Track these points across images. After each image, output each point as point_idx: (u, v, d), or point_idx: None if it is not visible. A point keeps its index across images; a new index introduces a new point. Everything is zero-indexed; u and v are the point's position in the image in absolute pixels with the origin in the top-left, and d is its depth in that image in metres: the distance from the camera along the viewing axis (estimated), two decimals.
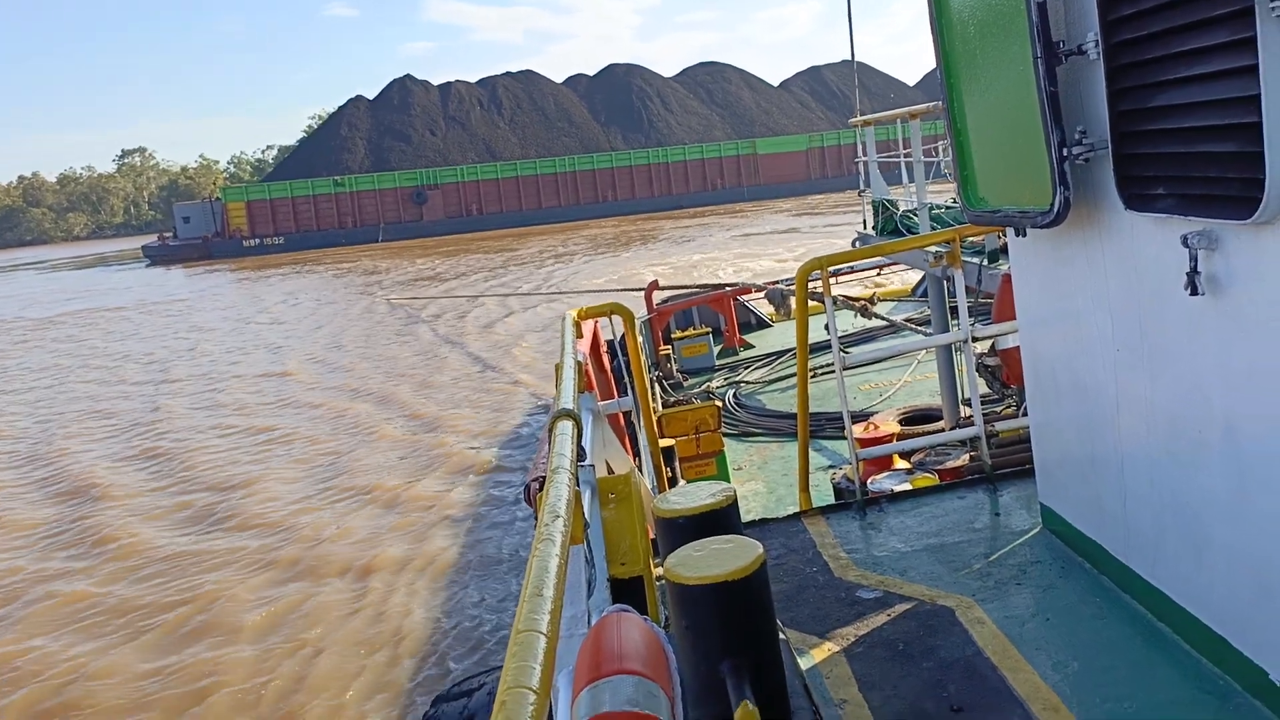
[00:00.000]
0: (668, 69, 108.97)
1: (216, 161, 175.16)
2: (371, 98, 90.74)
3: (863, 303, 9.83)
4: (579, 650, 1.66)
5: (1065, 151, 2.94)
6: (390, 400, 17.77)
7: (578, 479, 2.34)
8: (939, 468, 5.94)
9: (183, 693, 7.53)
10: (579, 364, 3.87)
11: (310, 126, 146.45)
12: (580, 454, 2.72)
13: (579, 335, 4.85)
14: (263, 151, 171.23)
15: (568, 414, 2.80)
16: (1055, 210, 3.02)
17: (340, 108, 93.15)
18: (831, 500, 6.06)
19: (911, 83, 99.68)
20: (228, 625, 8.69)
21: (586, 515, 2.52)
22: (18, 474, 14.83)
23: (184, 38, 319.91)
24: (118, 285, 55.51)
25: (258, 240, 72.16)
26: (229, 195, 77.03)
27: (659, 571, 2.79)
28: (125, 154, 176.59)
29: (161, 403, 19.45)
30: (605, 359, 6.54)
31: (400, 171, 78.76)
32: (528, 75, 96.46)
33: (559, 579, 1.55)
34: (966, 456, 5.94)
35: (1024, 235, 3.61)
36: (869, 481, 5.82)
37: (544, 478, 2.23)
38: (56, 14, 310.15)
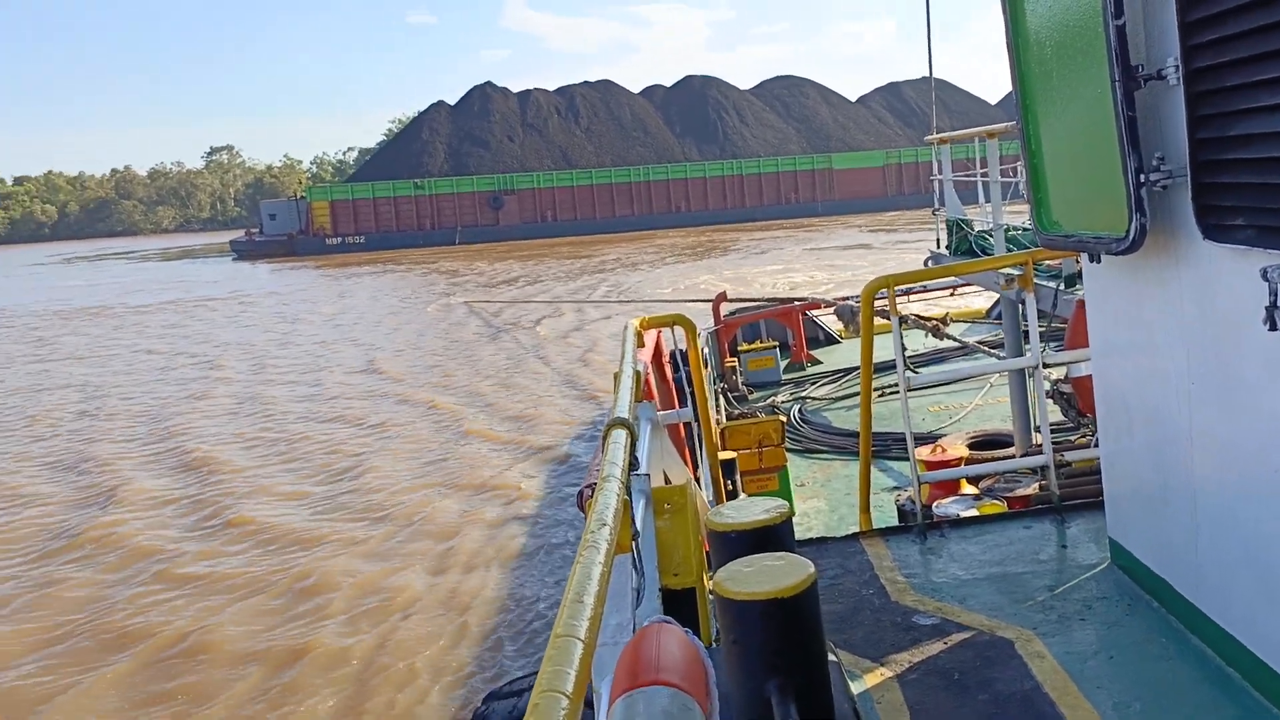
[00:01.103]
0: (740, 81, 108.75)
1: (300, 161, 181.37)
2: (452, 104, 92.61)
3: (934, 323, 9.67)
4: (618, 659, 1.68)
5: (1142, 177, 2.87)
6: (474, 396, 18.23)
7: (628, 487, 2.36)
8: (1008, 495, 5.80)
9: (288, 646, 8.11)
10: (638, 373, 3.90)
11: (390, 130, 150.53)
12: (634, 463, 2.73)
13: (640, 345, 4.88)
14: (344, 153, 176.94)
15: (622, 422, 2.83)
16: (1131, 237, 2.94)
17: (422, 113, 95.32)
18: (894, 522, 5.98)
19: (993, 101, 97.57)
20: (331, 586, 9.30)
21: (639, 524, 2.54)
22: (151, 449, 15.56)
23: (270, 41, 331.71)
24: (211, 278, 57.84)
25: (340, 239, 74.24)
26: (314, 195, 79.39)
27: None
28: (213, 151, 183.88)
29: (262, 391, 20.31)
30: (667, 369, 6.55)
31: (478, 176, 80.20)
32: (605, 85, 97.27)
33: (601, 586, 1.57)
34: (1036, 485, 5.80)
35: (1098, 261, 3.52)
36: (934, 506, 5.72)
37: (596, 484, 2.26)
38: (154, 14, 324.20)
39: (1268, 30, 2.26)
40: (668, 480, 4.33)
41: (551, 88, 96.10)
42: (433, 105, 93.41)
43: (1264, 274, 2.38)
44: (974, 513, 5.30)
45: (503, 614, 8.73)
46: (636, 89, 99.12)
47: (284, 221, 78.18)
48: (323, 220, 75.58)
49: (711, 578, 2.70)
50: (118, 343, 30.01)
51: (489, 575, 9.63)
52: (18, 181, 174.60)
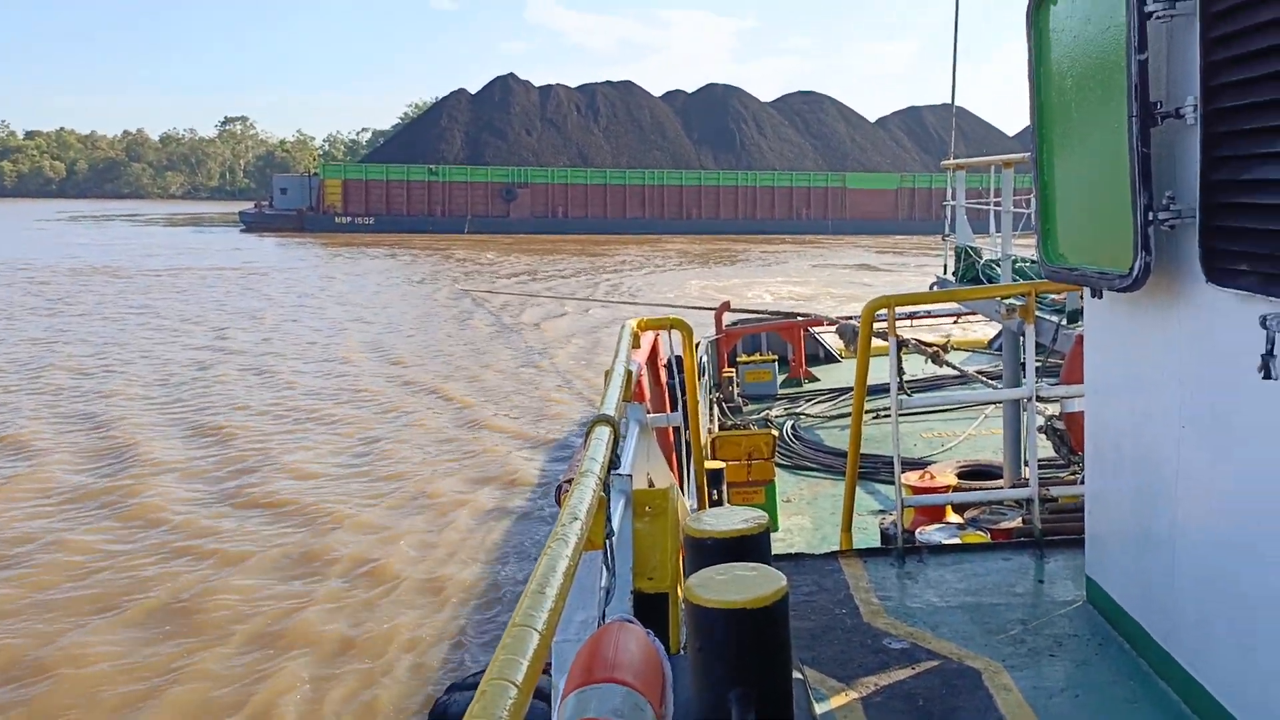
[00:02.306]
0: (759, 91, 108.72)
1: (313, 138, 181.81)
2: (474, 93, 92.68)
3: (934, 349, 9.65)
4: (576, 654, 1.67)
5: (1151, 215, 2.86)
6: (472, 384, 18.20)
7: (606, 485, 2.35)
8: (991, 527, 5.79)
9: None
10: (629, 373, 3.88)
11: (407, 114, 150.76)
12: (616, 461, 2.72)
13: (636, 345, 4.87)
14: (357, 133, 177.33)
15: (606, 420, 2.81)
16: (1135, 275, 2.93)
17: (442, 99, 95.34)
18: (877, 544, 5.96)
19: (1011, 133, 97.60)
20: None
21: (616, 524, 2.52)
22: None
23: (294, 15, 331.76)
24: (223, 246, 57.93)
25: (350, 218, 74.23)
26: (327, 172, 79.39)
27: None
28: (228, 121, 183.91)
29: (270, 363, 20.30)
30: (662, 373, 6.54)
31: (493, 167, 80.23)
32: (627, 86, 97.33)
33: (566, 580, 1.55)
34: (1020, 519, 5.79)
35: (1100, 297, 3.51)
36: (918, 532, 5.70)
37: (573, 479, 2.24)
38: None
39: None
40: (652, 484, 4.31)
41: (573, 84, 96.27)
42: (453, 93, 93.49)
43: (1263, 321, 2.37)
44: (956, 541, 5.28)
45: (475, 604, 8.71)
46: (657, 91, 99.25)
47: (295, 196, 78.19)
48: (334, 198, 75.59)
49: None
50: (127, 306, 30.01)
51: (466, 565, 9.63)
52: (29, 135, 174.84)
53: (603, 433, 2.71)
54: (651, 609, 2.74)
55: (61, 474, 12.21)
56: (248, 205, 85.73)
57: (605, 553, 2.32)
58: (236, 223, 79.83)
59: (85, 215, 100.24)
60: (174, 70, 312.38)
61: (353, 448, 13.89)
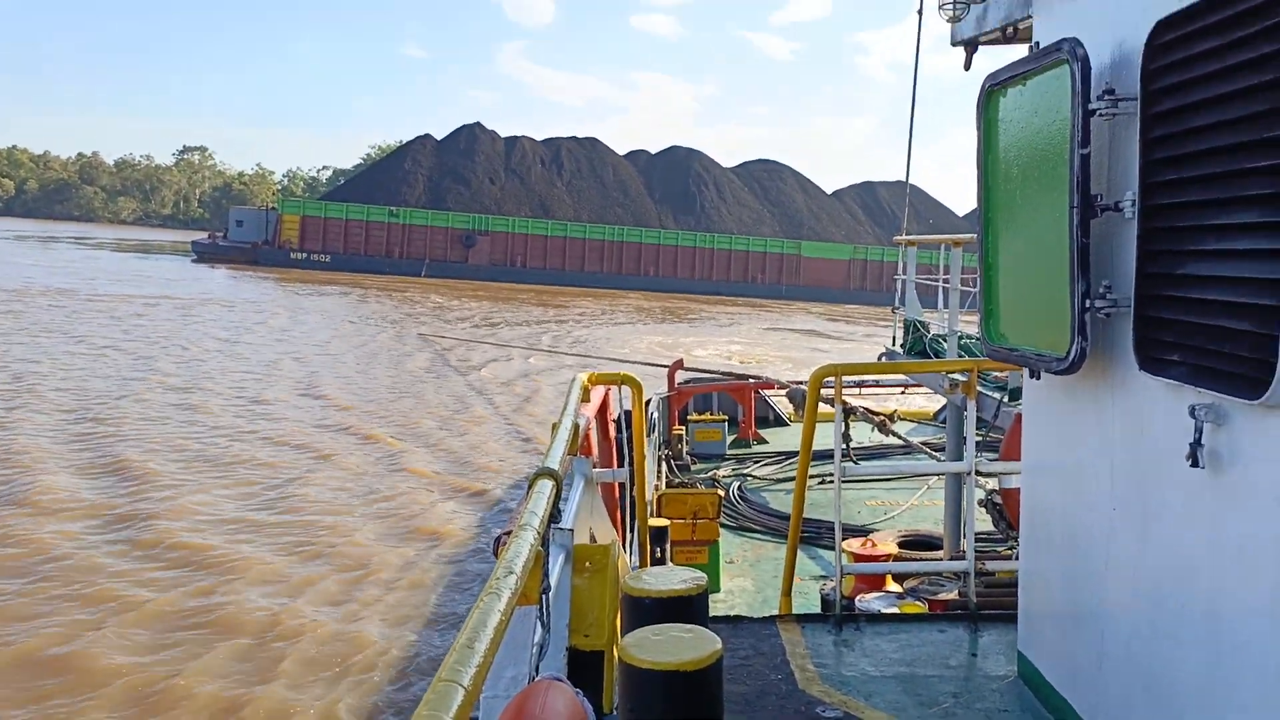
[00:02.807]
0: (719, 155, 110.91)
1: (272, 172, 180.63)
2: (439, 138, 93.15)
3: (882, 418, 9.78)
4: (502, 711, 1.64)
5: (1088, 303, 2.96)
6: (412, 431, 17.86)
7: (545, 539, 2.33)
8: (930, 597, 5.83)
9: None
10: (577, 426, 3.87)
11: (370, 155, 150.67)
12: (557, 515, 2.70)
13: (585, 400, 4.87)
14: (318, 171, 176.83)
15: (549, 473, 2.79)
16: (1071, 359, 3.02)
17: (407, 143, 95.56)
18: (817, 610, 5.96)
19: (960, 213, 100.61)
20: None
21: (554, 579, 2.50)
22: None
23: (262, 50, 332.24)
24: (177, 276, 56.73)
25: (305, 254, 73.48)
26: (286, 207, 78.72)
27: None
28: (186, 150, 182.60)
29: (200, 400, 19.66)
30: (611, 428, 6.53)
31: (454, 213, 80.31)
32: (592, 142, 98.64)
33: (496, 635, 1.53)
34: (958, 591, 5.84)
35: (1038, 378, 3.61)
36: (857, 599, 5.73)
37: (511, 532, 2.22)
38: (151, 4, 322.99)
39: (1223, 178, 2.37)
40: (594, 539, 4.28)
41: (539, 137, 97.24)
42: (419, 137, 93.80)
43: (1191, 411, 2.46)
44: (895, 610, 5.31)
45: (394, 660, 8.39)
46: (621, 149, 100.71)
47: (250, 229, 77.30)
48: (291, 233, 74.87)
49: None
50: (57, 332, 29.11)
51: (389, 618, 9.26)
52: None
53: (545, 486, 2.69)
54: (586, 666, 2.71)
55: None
56: (201, 235, 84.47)
57: (541, 607, 2.30)
58: (188, 252, 78.49)
59: (30, 235, 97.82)
60: (136, 94, 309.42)
61: (268, 492, 13.29)
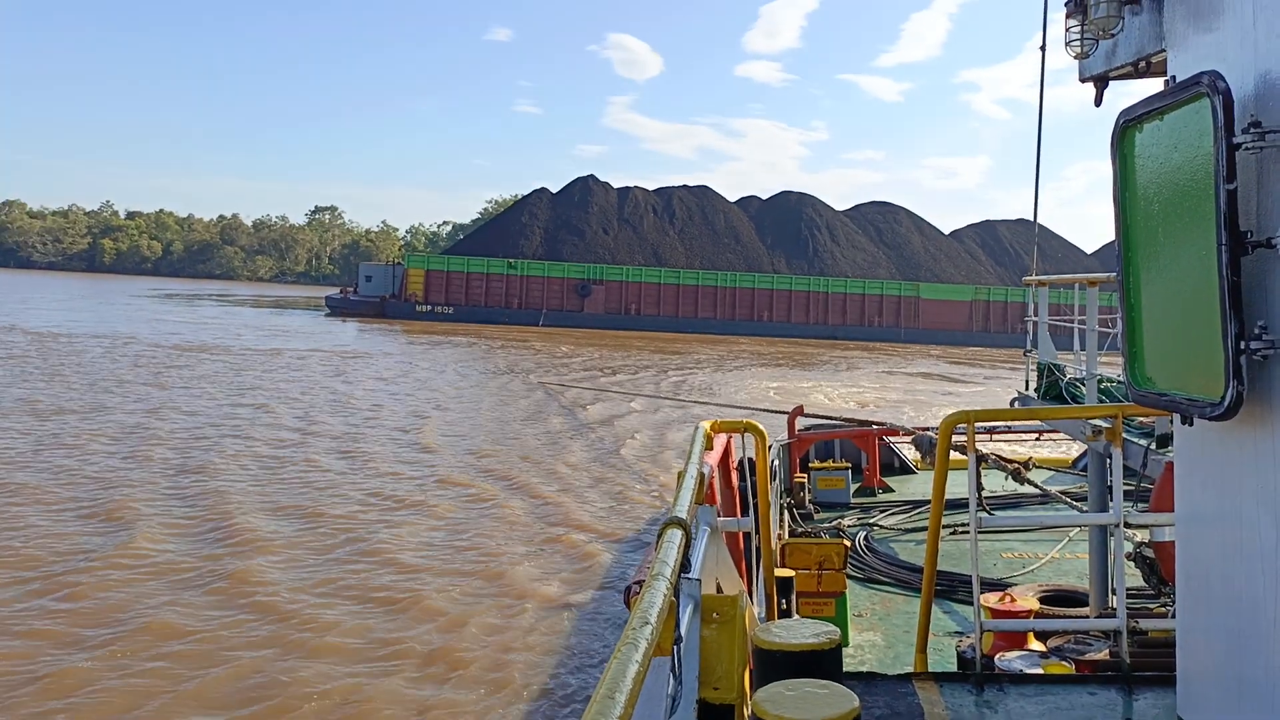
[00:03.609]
0: (831, 200, 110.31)
1: (396, 229, 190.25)
2: (554, 191, 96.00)
3: (1016, 466, 9.39)
4: None
5: (1243, 345, 2.81)
6: (536, 475, 18.29)
7: (676, 589, 2.33)
8: (1077, 658, 5.52)
9: None
10: (702, 475, 3.88)
11: (487, 209, 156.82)
12: (686, 565, 2.70)
13: (709, 448, 4.88)
14: (439, 226, 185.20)
15: (678, 522, 2.80)
16: (1226, 404, 2.87)
17: (524, 196, 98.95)
18: (953, 668, 5.73)
19: (1089, 250, 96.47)
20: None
21: (683, 629, 2.49)
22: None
23: (386, 112, 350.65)
24: (312, 329, 60.29)
25: (430, 307, 76.65)
26: (411, 262, 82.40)
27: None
28: (318, 210, 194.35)
29: (358, 447, 20.76)
30: (734, 476, 6.50)
31: (570, 264, 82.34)
32: (702, 190, 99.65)
33: (635, 686, 1.54)
34: (1107, 651, 5.51)
35: (1190, 424, 3.42)
36: (997, 658, 5.47)
37: (644, 581, 2.23)
38: (287, 73, 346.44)
39: None
40: (720, 589, 4.25)
41: (650, 187, 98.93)
42: (535, 191, 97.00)
43: None
44: (1039, 671, 5.05)
45: (531, 709, 8.51)
46: (732, 196, 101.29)
47: (379, 284, 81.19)
48: (416, 287, 78.25)
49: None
50: (206, 383, 31.16)
51: (529, 656, 9.50)
52: (130, 215, 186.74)
53: (674, 535, 2.71)
54: (716, 719, 2.68)
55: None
56: (332, 290, 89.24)
57: (673, 659, 2.30)
58: (320, 307, 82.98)
59: (177, 294, 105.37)
60: (271, 157, 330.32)
61: (433, 532, 14.03)
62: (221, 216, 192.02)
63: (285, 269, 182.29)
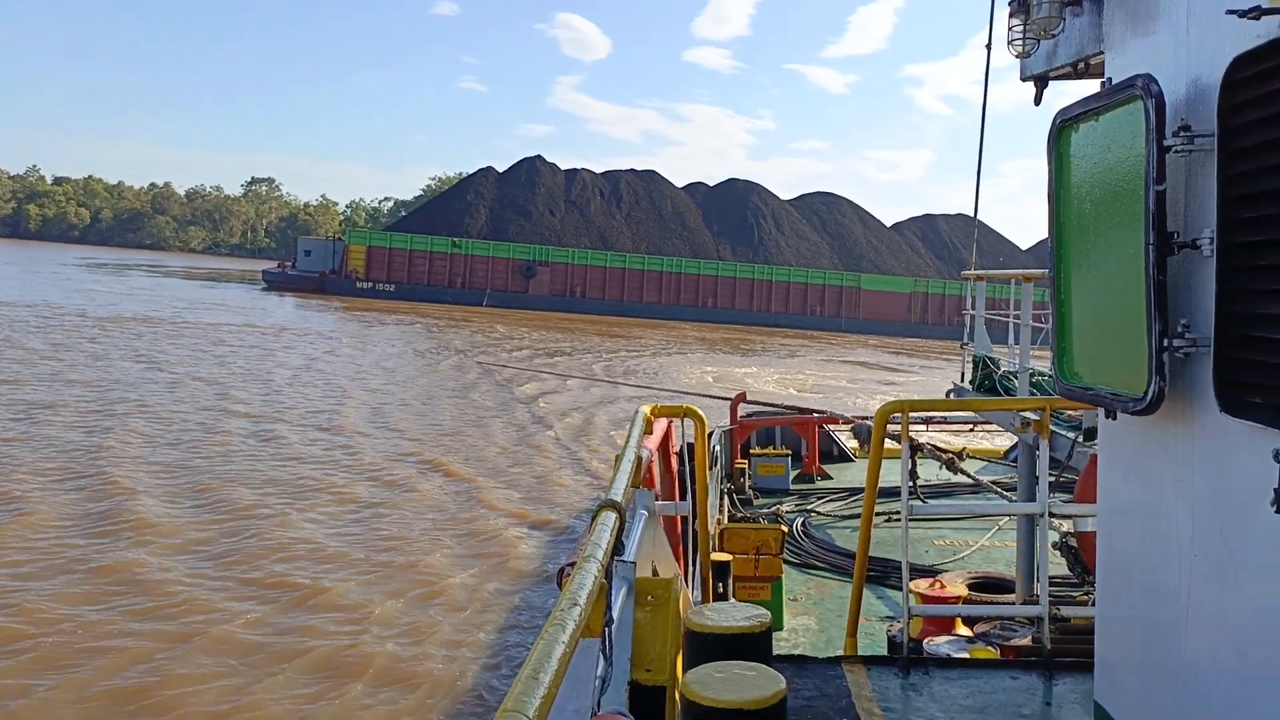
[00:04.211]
0: (775, 189, 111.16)
1: (336, 204, 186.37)
2: (501, 170, 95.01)
3: (950, 456, 9.61)
4: None
5: (1166, 342, 2.90)
6: (475, 460, 18.12)
7: (608, 571, 2.33)
8: (1002, 643, 5.68)
9: None
10: (640, 459, 3.88)
11: (430, 186, 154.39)
12: (620, 548, 2.70)
13: (648, 432, 4.88)
14: (379, 202, 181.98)
15: (613, 504, 2.80)
16: (1148, 399, 2.96)
17: (470, 175, 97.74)
18: (883, 652, 5.85)
19: (1024, 246, 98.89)
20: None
21: (616, 612, 2.49)
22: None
23: (327, 84, 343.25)
24: (249, 304, 58.58)
25: (371, 284, 75.37)
26: (352, 238, 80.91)
27: None
28: (254, 181, 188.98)
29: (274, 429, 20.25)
30: (674, 460, 6.53)
31: (515, 244, 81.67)
32: (650, 175, 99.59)
33: (561, 666, 1.53)
34: (1031, 637, 5.69)
35: (1114, 418, 3.53)
36: (925, 641, 5.61)
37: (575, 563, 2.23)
38: (221, 41, 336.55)
39: None
40: (656, 572, 4.27)
41: (598, 169, 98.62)
42: (481, 169, 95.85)
43: (1276, 455, 2.38)
44: (965, 655, 5.18)
45: (456, 690, 8.39)
46: (677, 181, 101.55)
47: (318, 259, 79.57)
48: (357, 263, 76.87)
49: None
50: (134, 355, 30.20)
51: (451, 646, 9.30)
52: (57, 181, 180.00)
53: (608, 518, 2.70)
54: (648, 702, 2.70)
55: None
56: (268, 264, 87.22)
57: (604, 640, 2.30)
58: (256, 280, 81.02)
59: (106, 264, 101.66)
60: (207, 126, 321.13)
61: (340, 517, 13.59)
62: (153, 185, 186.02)
63: (219, 241, 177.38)
